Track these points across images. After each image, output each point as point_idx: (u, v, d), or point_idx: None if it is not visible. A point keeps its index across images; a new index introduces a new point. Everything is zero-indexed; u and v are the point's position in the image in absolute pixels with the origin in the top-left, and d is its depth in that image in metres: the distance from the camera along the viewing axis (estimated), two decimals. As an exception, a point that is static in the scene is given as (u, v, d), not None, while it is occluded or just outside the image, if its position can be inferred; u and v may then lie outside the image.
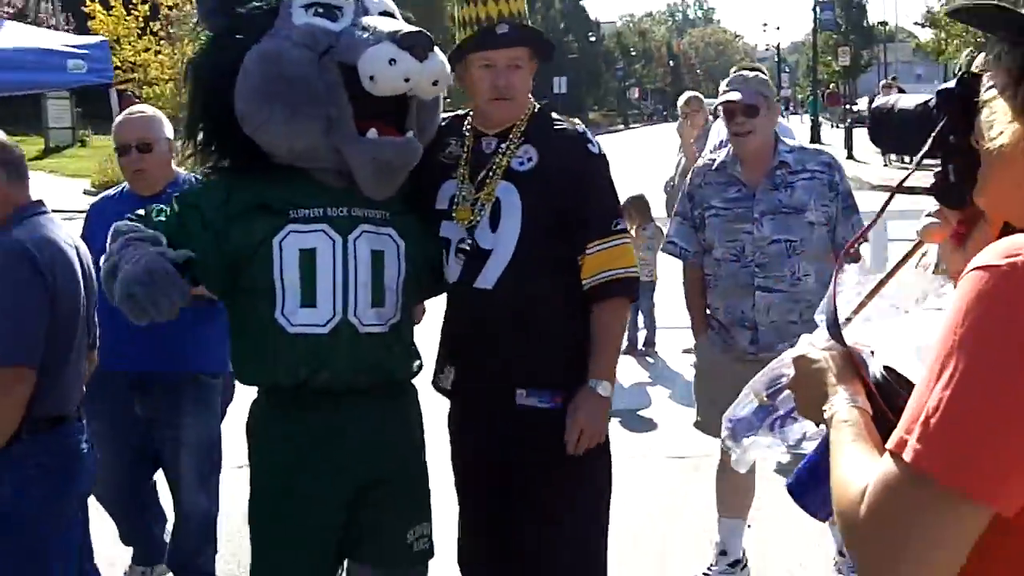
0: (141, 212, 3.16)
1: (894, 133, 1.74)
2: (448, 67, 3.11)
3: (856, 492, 1.33)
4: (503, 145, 3.26)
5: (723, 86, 4.47)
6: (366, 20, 3.05)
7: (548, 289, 3.24)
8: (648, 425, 7.11)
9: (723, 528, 4.63)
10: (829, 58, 56.83)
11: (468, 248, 3.21)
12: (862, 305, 1.69)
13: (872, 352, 1.59)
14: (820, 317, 1.69)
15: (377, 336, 3.10)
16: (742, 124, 4.29)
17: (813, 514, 1.67)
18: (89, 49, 12.97)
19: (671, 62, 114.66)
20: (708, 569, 4.65)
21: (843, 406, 1.51)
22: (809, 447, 1.74)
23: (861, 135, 38.17)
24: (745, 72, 4.54)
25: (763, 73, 4.62)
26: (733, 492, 4.57)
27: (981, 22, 1.44)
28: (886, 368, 1.56)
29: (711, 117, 8.98)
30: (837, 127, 42.93)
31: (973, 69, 1.54)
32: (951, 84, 1.59)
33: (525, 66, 3.26)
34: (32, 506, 3.24)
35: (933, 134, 1.57)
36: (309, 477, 3.10)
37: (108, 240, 3.04)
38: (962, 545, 1.26)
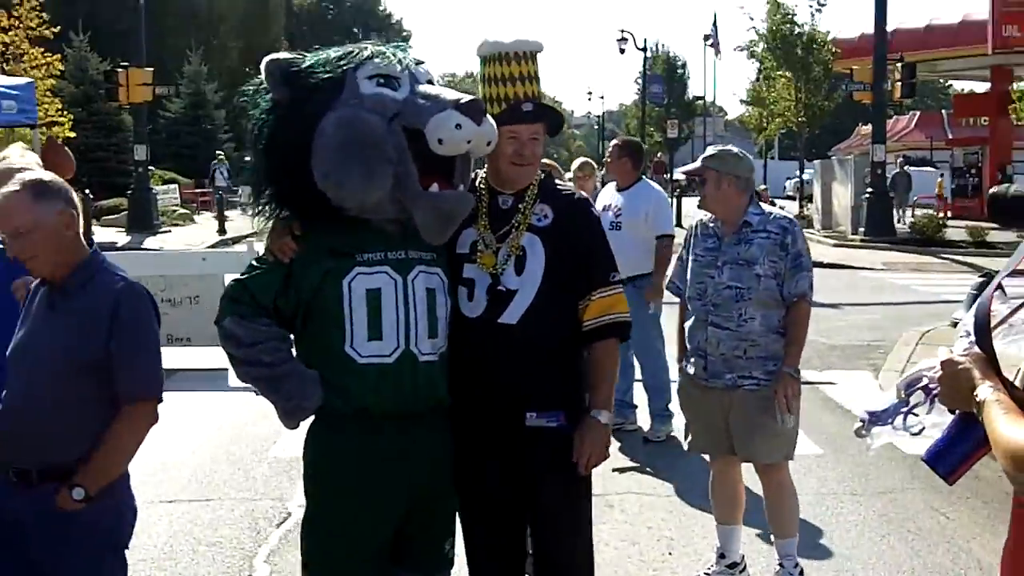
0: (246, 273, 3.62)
1: (1014, 212, 2.45)
2: (496, 130, 3.63)
3: None
4: (521, 204, 3.82)
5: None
6: (423, 89, 3.56)
7: (560, 325, 3.78)
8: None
9: (721, 533, 5.40)
10: (652, 128, 59.18)
11: (501, 289, 3.73)
12: (1000, 323, 2.26)
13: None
14: (963, 331, 2.36)
15: (432, 364, 3.58)
16: (700, 189, 5.21)
17: (944, 476, 2.36)
18: (19, 90, 13.28)
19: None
20: (708, 570, 5.41)
21: (989, 392, 2.14)
22: (927, 435, 2.43)
23: (688, 203, 40.32)
24: (711, 149, 5.38)
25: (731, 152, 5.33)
26: (726, 502, 5.38)
27: None
28: None
29: (599, 184, 9.67)
30: (662, 195, 44.57)
31: None
32: None
33: (540, 138, 3.85)
34: (127, 528, 3.65)
35: None
36: (375, 492, 3.51)
37: (235, 321, 3.51)
38: None
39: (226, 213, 30.60)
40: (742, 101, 52.43)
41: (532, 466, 3.76)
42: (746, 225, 5.08)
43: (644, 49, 54.95)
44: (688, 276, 5.26)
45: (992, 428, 2.08)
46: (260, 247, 3.84)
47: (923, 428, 2.46)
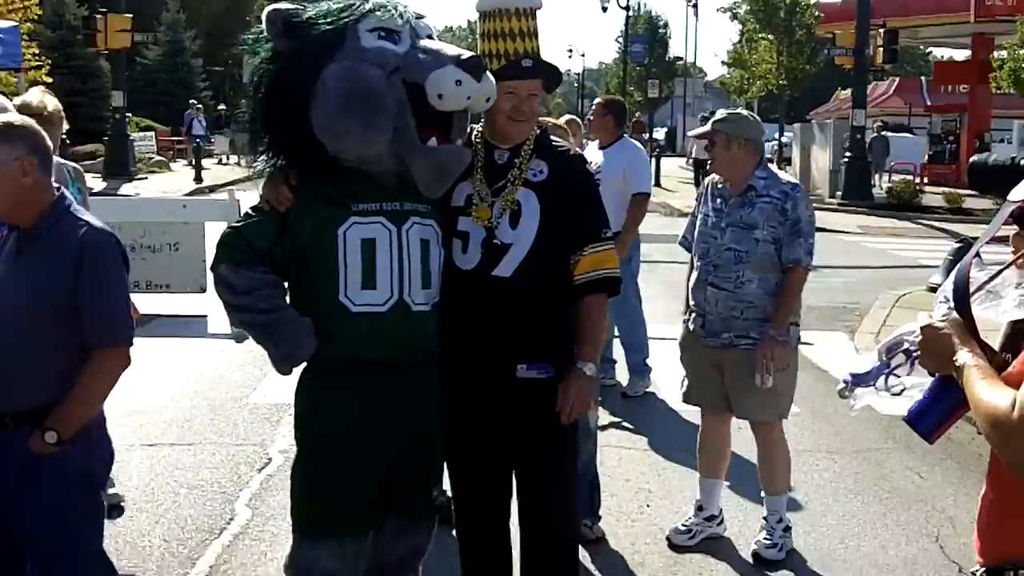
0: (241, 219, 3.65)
1: (993, 180, 2.49)
2: (495, 87, 3.65)
3: (1006, 404, 2.05)
4: (517, 159, 3.84)
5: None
6: (424, 43, 3.58)
7: (553, 279, 3.82)
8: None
9: (703, 486, 5.55)
10: (632, 88, 59.03)
11: (496, 243, 3.75)
12: (979, 289, 2.37)
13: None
14: (943, 296, 2.44)
15: (425, 313, 3.62)
16: (710, 152, 5.29)
17: (924, 435, 2.46)
18: (4, 33, 12.74)
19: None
20: (686, 521, 5.55)
21: (968, 357, 2.23)
22: (907, 396, 2.53)
23: (667, 163, 40.57)
24: (720, 112, 5.47)
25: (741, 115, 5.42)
26: (712, 456, 5.52)
27: None
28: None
29: (586, 141, 9.67)
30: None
31: None
32: None
33: (538, 94, 3.88)
34: (102, 470, 3.68)
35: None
36: (365, 438, 3.57)
37: (231, 268, 3.53)
38: None
39: (203, 162, 30.47)
40: (723, 63, 52.38)
41: (521, 417, 3.82)
42: (751, 189, 5.14)
43: (627, 8, 54.76)
44: (695, 235, 5.37)
45: (972, 392, 2.17)
46: (240, 195, 3.84)
47: (903, 389, 2.54)
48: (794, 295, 5.15)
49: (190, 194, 24.73)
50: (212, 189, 26.61)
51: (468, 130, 3.86)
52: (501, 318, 3.76)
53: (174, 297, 10.64)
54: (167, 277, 10.71)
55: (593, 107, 8.72)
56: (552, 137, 4.05)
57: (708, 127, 5.29)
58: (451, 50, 3.56)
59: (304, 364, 3.62)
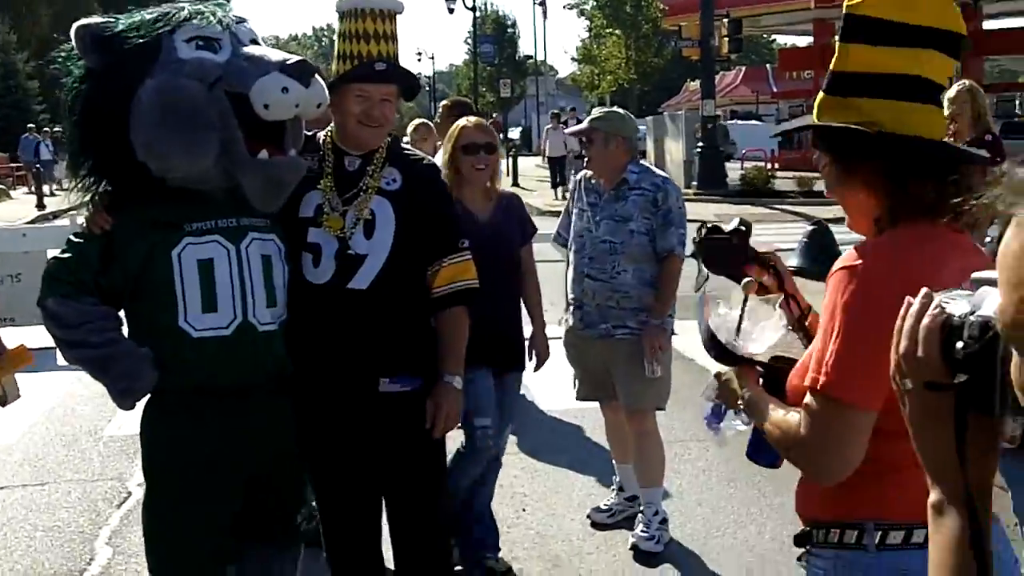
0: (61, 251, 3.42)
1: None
2: (326, 91, 3.48)
3: (794, 423, 2.17)
4: (370, 167, 3.69)
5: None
6: (247, 50, 3.39)
7: (412, 290, 3.71)
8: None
9: (619, 471, 5.64)
10: (484, 89, 59.16)
11: (351, 254, 3.59)
12: (739, 329, 2.58)
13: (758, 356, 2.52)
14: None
15: (272, 333, 3.45)
16: (587, 149, 5.38)
17: (768, 465, 2.63)
18: None
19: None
20: (607, 501, 5.68)
21: (747, 394, 2.44)
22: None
23: (523, 163, 40.68)
24: (597, 111, 5.58)
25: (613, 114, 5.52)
26: (619, 443, 5.60)
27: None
28: (775, 357, 2.48)
29: (437, 144, 9.53)
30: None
31: None
32: None
33: (393, 101, 3.72)
34: None
35: None
36: (216, 469, 3.38)
37: (58, 301, 3.32)
38: (862, 438, 2.08)
39: (44, 187, 29.57)
40: (573, 59, 52.86)
41: (387, 433, 3.69)
42: (624, 183, 5.24)
43: (473, 8, 54.78)
44: (571, 229, 5.42)
45: (762, 426, 2.34)
46: (81, 220, 3.63)
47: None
48: (672, 283, 5.24)
49: (32, 222, 23.85)
50: (56, 215, 25.76)
51: (311, 135, 3.70)
52: (360, 332, 3.63)
53: (19, 330, 10.15)
54: (10, 310, 10.19)
55: (440, 110, 8.56)
56: (403, 145, 3.93)
57: (585, 124, 5.41)
58: (275, 55, 3.38)
59: (147, 396, 3.42)
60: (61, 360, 3.54)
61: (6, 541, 5.69)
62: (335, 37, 3.79)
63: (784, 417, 2.22)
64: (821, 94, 2.29)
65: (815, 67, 37.43)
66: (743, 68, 55.37)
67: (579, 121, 26.39)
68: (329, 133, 3.79)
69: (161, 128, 3.25)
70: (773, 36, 68.47)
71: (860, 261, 2.10)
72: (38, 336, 10.08)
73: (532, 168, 41.47)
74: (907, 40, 2.18)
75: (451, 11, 53.56)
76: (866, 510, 2.18)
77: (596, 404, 5.72)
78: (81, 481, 6.61)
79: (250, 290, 3.38)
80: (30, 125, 34.92)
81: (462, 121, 4.96)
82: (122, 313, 3.45)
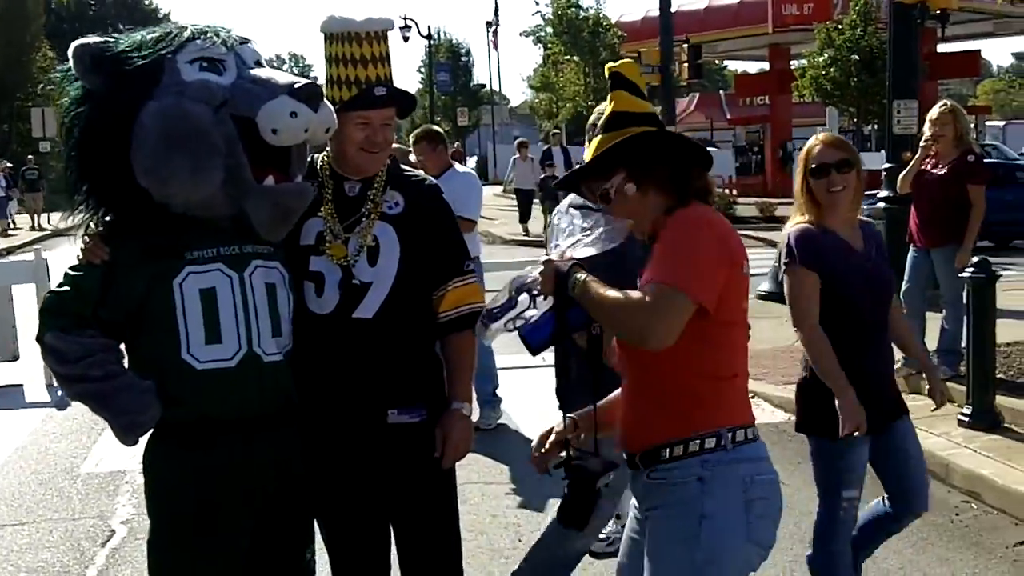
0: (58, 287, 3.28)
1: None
2: (334, 116, 3.39)
3: (637, 299, 2.80)
4: (371, 191, 3.58)
5: None
6: (255, 73, 3.29)
7: (418, 317, 3.61)
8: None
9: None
10: (439, 118, 59.11)
11: (356, 283, 3.50)
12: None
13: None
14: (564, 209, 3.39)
15: (278, 364, 3.34)
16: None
17: (532, 347, 3.11)
18: None
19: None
20: (604, 530, 5.31)
21: (583, 275, 2.95)
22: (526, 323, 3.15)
23: (487, 189, 40.36)
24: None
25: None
26: None
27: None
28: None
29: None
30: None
31: None
32: None
33: (392, 124, 3.63)
34: None
35: None
36: (224, 506, 3.26)
37: (56, 335, 3.19)
38: (683, 318, 2.79)
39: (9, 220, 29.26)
40: (530, 86, 52.94)
41: (396, 464, 3.58)
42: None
43: (428, 36, 54.79)
44: None
45: (596, 297, 2.89)
46: (47, 254, 3.51)
47: (525, 322, 3.12)
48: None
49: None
50: (10, 251, 25.41)
51: (309, 160, 3.58)
52: (366, 363, 3.52)
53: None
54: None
55: (417, 142, 8.37)
56: (403, 166, 3.82)
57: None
58: (283, 78, 3.27)
59: (151, 431, 3.30)
60: (29, 397, 3.44)
61: (-12, 582, 5.52)
62: (323, 58, 3.63)
63: (623, 292, 2.85)
64: (598, 137, 3.06)
65: (771, 92, 37.81)
66: (696, 95, 55.61)
67: (564, 148, 26.11)
68: (325, 157, 3.68)
69: (164, 152, 3.14)
70: (725, 62, 68.95)
71: (688, 211, 2.93)
72: (4, 373, 9.97)
73: (491, 197, 41.33)
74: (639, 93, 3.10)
75: (406, 39, 53.54)
76: (720, 418, 2.96)
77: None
78: (62, 520, 6.43)
79: (255, 320, 3.27)
80: (-12, 158, 34.45)
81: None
82: (123, 346, 3.33)
